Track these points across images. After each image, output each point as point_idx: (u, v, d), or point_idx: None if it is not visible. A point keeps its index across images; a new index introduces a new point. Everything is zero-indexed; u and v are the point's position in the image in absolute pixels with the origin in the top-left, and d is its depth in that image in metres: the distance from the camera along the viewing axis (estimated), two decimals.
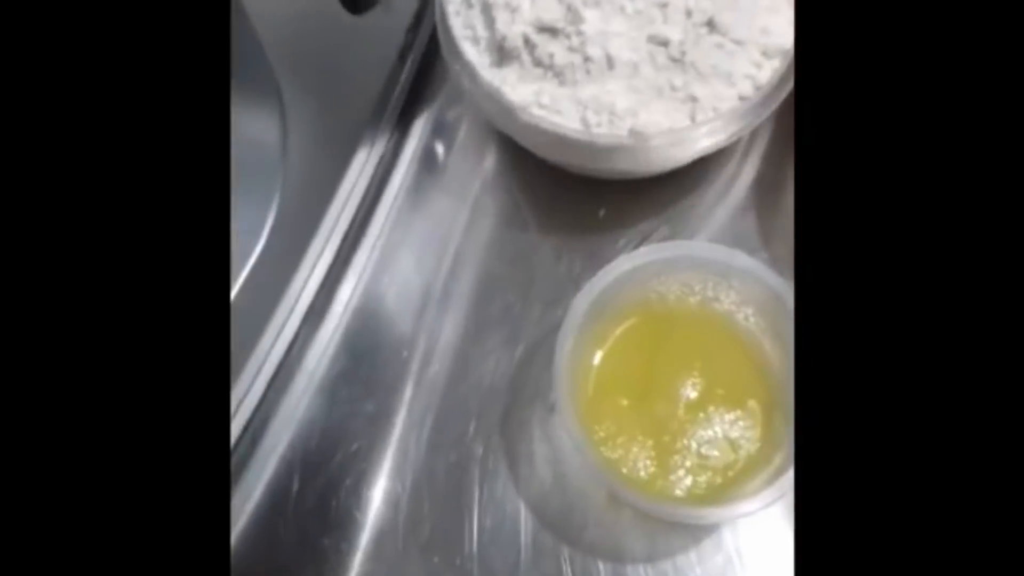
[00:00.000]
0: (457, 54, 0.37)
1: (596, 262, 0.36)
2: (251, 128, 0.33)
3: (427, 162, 0.44)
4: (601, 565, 0.35)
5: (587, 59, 0.35)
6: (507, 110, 0.36)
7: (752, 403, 0.35)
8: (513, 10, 0.36)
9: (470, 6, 0.38)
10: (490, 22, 0.37)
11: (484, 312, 0.40)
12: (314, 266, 0.39)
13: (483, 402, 0.38)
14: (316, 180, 0.37)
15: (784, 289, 0.34)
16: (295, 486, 0.37)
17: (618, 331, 0.36)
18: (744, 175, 0.41)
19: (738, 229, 0.40)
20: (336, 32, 0.36)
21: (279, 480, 0.38)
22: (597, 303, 0.35)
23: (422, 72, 0.45)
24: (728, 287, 0.36)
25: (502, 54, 0.37)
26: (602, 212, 0.40)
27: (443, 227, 0.42)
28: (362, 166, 0.41)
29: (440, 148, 0.44)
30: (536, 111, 0.36)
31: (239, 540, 0.37)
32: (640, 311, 0.37)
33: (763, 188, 0.41)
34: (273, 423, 0.38)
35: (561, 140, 0.36)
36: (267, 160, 0.33)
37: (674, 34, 0.35)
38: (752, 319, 0.36)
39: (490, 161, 0.43)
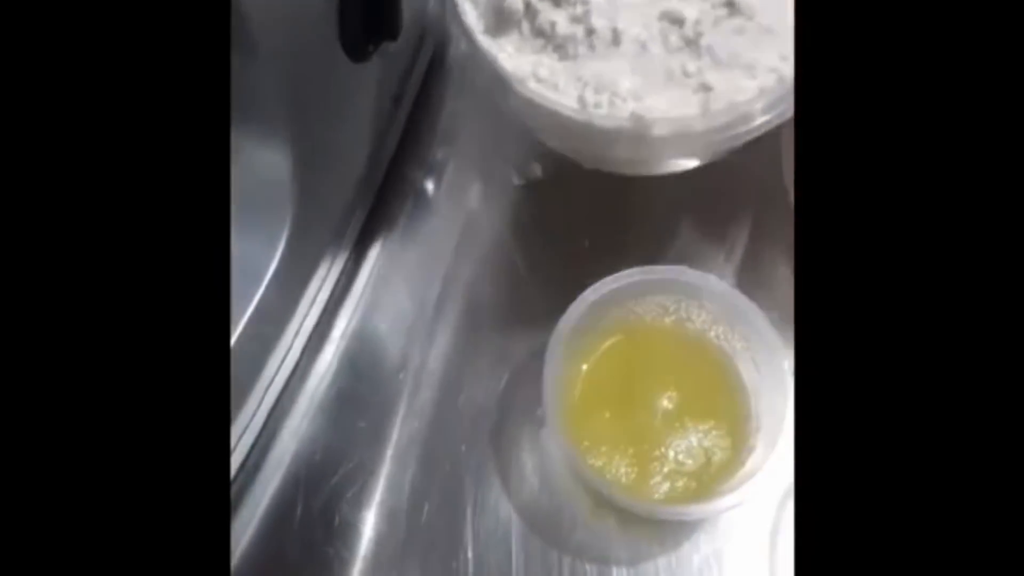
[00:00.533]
0: (456, 16, 0.35)
1: (579, 287, 0.38)
2: (262, 164, 0.35)
3: (418, 198, 0.47)
4: (588, 567, 0.37)
5: (591, 32, 0.33)
6: (501, 81, 0.33)
7: (723, 414, 0.38)
8: None
9: None
10: None
11: (474, 336, 0.43)
12: (316, 295, 0.42)
13: (475, 418, 0.41)
14: (319, 212, 0.40)
15: (750, 309, 0.37)
16: (300, 499, 0.39)
17: (600, 349, 0.39)
18: (721, 210, 0.44)
19: (709, 256, 0.43)
20: (339, 77, 0.39)
21: (285, 493, 0.40)
22: (580, 324, 0.37)
23: (413, 116, 0.48)
24: (700, 308, 0.39)
25: (500, 19, 0.34)
26: (586, 242, 0.43)
27: (433, 258, 0.45)
28: (358, 201, 0.44)
29: (430, 185, 0.47)
30: (532, 84, 0.33)
31: (247, 549, 0.38)
32: (620, 330, 0.39)
33: (734, 217, 0.44)
34: (279, 440, 0.41)
35: (556, 119, 0.33)
36: (277, 195, 0.36)
37: (690, 12, 0.32)
38: (722, 337, 0.39)
39: (477, 196, 0.46)
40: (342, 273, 0.44)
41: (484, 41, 0.34)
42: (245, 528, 0.39)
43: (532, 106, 0.33)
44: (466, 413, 0.41)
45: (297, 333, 0.41)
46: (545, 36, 0.34)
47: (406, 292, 0.44)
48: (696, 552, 0.38)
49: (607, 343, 0.39)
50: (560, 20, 0.33)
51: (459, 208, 0.46)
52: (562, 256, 0.44)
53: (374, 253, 0.45)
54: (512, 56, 0.34)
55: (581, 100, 0.33)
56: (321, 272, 0.41)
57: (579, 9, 0.33)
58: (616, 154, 0.35)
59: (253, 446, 0.40)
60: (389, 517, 0.39)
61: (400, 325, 0.43)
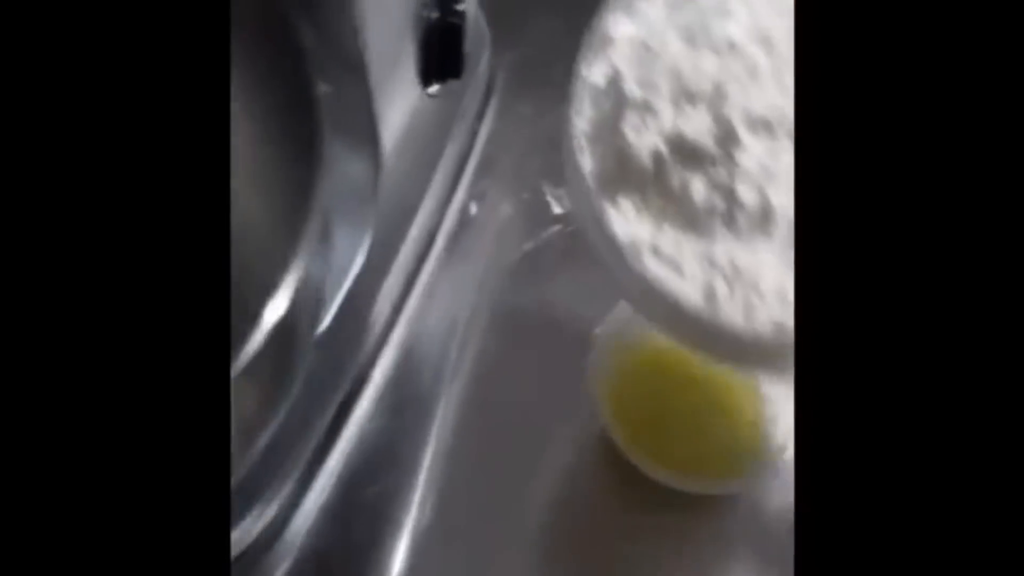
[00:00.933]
0: (571, 159, 0.28)
1: (613, 302, 0.43)
2: (352, 172, 0.39)
3: (463, 219, 0.51)
4: (616, 545, 0.43)
5: (735, 203, 0.26)
6: (610, 246, 0.27)
7: (748, 409, 0.42)
8: (648, 114, 0.27)
9: (603, 97, 0.28)
10: (615, 125, 0.28)
11: (514, 343, 0.47)
12: (378, 302, 0.45)
13: (514, 419, 0.45)
14: (395, 223, 0.45)
15: None
16: (345, 502, 0.43)
17: (638, 350, 0.43)
18: None
19: None
20: (415, 106, 0.42)
21: (333, 496, 0.43)
22: (618, 333, 0.42)
23: (462, 151, 0.52)
24: None
25: (622, 172, 0.27)
26: None
27: (477, 272, 0.49)
28: (419, 220, 0.49)
29: (474, 208, 0.52)
30: (647, 259, 0.26)
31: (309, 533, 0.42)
32: (653, 337, 0.42)
33: None
34: (337, 446, 0.44)
35: (670, 309, 0.26)
36: (363, 202, 0.41)
37: None
38: None
39: (518, 220, 0.50)
40: (405, 282, 0.47)
41: (598, 196, 0.27)
42: (305, 520, 0.42)
43: (642, 286, 0.27)
44: (505, 415, 0.45)
45: (362, 341, 0.44)
46: (674, 200, 0.27)
47: (453, 303, 0.47)
48: (720, 533, 0.43)
49: (642, 348, 0.43)
50: (697, 184, 0.26)
51: (501, 230, 0.50)
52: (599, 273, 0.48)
53: (427, 268, 0.48)
54: (629, 219, 0.27)
55: (708, 291, 0.26)
56: (389, 279, 0.45)
57: (723, 173, 0.26)
58: (746, 368, 0.29)
59: (315, 451, 0.43)
60: (436, 511, 0.43)
61: (445, 335, 0.47)
